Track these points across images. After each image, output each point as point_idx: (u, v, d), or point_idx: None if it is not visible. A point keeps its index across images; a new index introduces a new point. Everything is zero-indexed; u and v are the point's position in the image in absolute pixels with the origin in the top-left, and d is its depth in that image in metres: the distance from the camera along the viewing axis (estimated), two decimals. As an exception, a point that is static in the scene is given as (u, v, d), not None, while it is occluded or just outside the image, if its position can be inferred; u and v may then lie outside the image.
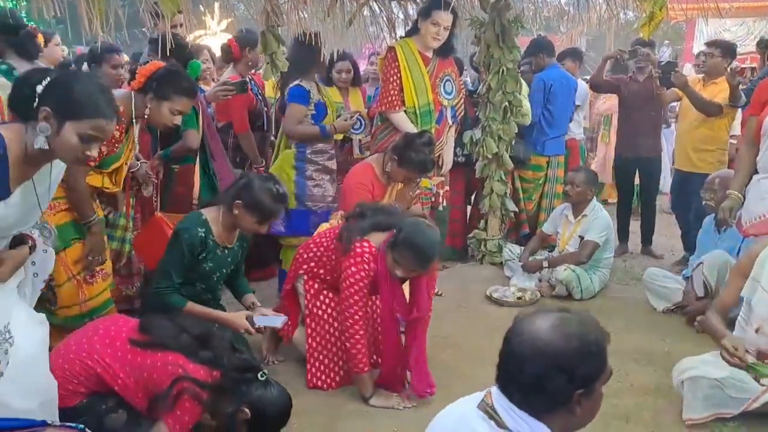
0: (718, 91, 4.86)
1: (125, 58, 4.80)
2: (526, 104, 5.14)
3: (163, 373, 2.26)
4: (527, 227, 5.48)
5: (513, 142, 5.08)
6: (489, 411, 1.54)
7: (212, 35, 10.31)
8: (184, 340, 2.37)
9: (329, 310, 3.26)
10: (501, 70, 4.88)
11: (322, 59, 4.18)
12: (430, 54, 4.33)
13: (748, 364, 2.65)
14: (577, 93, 5.73)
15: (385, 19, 4.94)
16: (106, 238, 3.17)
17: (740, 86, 4.75)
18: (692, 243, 4.60)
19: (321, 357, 3.22)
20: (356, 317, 3.00)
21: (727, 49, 5.04)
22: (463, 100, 4.70)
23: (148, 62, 3.07)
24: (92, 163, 2.04)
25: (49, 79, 1.95)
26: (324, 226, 3.69)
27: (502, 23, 4.83)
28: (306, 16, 4.20)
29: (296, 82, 4.15)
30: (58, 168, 2.12)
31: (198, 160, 3.89)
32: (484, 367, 3.37)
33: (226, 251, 3.15)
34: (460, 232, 5.39)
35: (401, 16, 5.04)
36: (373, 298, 3.24)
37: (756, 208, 3.43)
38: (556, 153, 5.40)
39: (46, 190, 2.12)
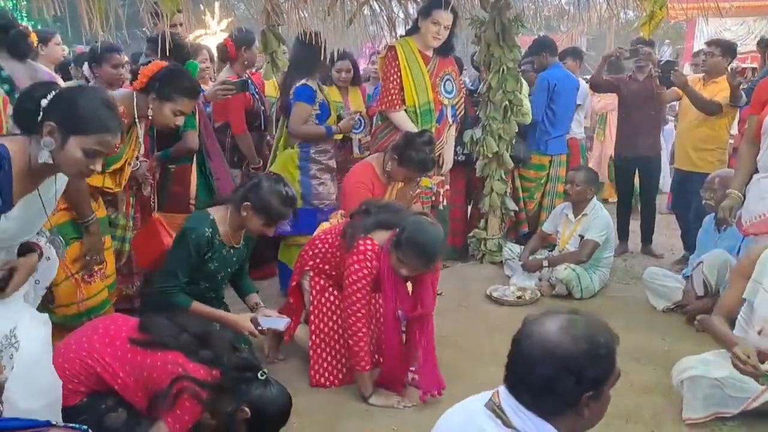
0: (718, 90, 4.86)
1: (125, 58, 4.79)
2: (527, 103, 5.14)
3: (162, 372, 2.26)
4: (526, 227, 5.48)
5: (513, 142, 5.08)
6: (496, 410, 1.54)
7: (212, 35, 10.31)
8: (183, 339, 2.37)
9: (333, 308, 3.26)
10: (501, 69, 4.89)
11: (324, 59, 4.18)
12: (430, 53, 4.33)
13: (762, 374, 2.61)
14: (578, 92, 5.73)
15: (385, 18, 4.94)
16: (109, 237, 3.17)
17: (741, 86, 4.75)
18: (692, 242, 4.60)
19: (324, 354, 3.23)
20: (359, 314, 3.00)
21: (728, 48, 5.03)
22: (463, 99, 4.69)
23: (150, 62, 3.06)
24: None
25: (53, 93, 1.95)
26: (324, 226, 3.69)
27: (503, 22, 4.83)
28: (306, 15, 4.20)
29: (303, 82, 4.15)
30: (62, 179, 2.13)
31: (194, 159, 3.88)
32: (484, 366, 3.38)
33: (232, 251, 3.14)
34: (461, 231, 5.39)
35: (401, 15, 5.04)
36: (376, 296, 3.24)
37: (756, 208, 3.43)
38: (559, 152, 5.40)
39: (52, 197, 2.13)
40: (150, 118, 3.01)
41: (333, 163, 4.35)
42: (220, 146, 4.45)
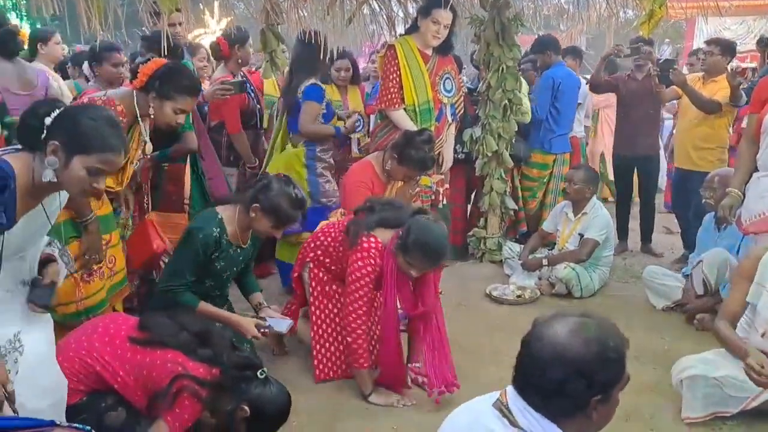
0: (717, 89, 4.85)
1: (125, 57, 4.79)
2: (526, 102, 5.15)
3: (162, 371, 2.26)
4: (525, 226, 5.49)
5: (513, 141, 5.08)
6: (504, 410, 1.54)
7: (212, 34, 10.30)
8: (183, 338, 2.37)
9: (333, 300, 3.27)
10: (501, 68, 4.89)
11: (325, 58, 4.18)
12: (429, 52, 4.33)
13: None
14: (579, 91, 5.73)
15: (384, 17, 4.93)
16: (117, 233, 3.16)
17: (741, 86, 4.74)
18: (692, 241, 4.60)
19: (327, 345, 3.23)
20: (359, 312, 3.00)
21: (727, 47, 5.03)
22: (462, 98, 4.69)
23: (148, 60, 3.05)
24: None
25: (57, 111, 1.95)
26: (324, 224, 3.69)
27: (502, 21, 4.83)
28: (306, 14, 4.20)
29: (312, 81, 4.16)
30: (66, 192, 2.13)
31: (188, 158, 3.86)
32: (484, 365, 3.38)
33: (239, 251, 3.13)
34: (460, 230, 5.39)
35: (401, 14, 5.03)
36: (377, 294, 3.23)
37: (756, 206, 3.43)
38: (563, 151, 5.41)
39: (56, 209, 2.14)
40: (151, 116, 3.00)
41: (332, 161, 4.37)
42: (216, 145, 4.45)
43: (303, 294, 3.44)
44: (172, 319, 2.47)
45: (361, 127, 4.85)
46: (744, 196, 3.53)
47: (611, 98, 6.30)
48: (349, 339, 3.03)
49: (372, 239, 3.01)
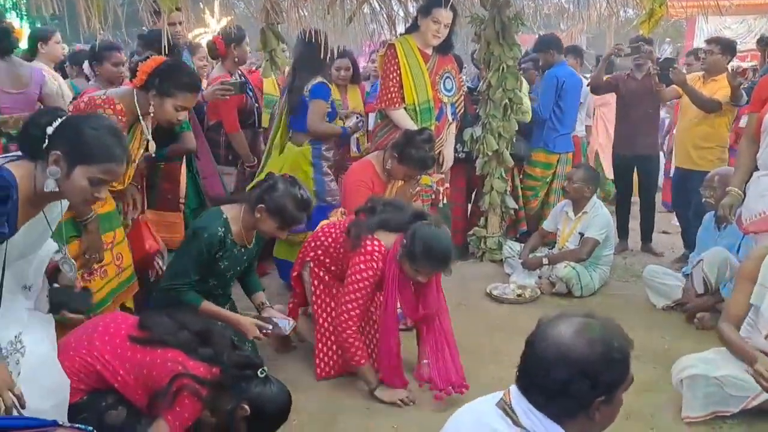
0: (717, 89, 4.85)
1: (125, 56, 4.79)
2: (527, 101, 5.15)
3: (162, 370, 2.26)
4: (525, 225, 5.49)
5: (514, 140, 5.08)
6: (506, 409, 1.54)
7: (212, 33, 10.29)
8: (183, 337, 2.37)
9: (336, 299, 3.27)
10: (501, 68, 4.89)
11: (327, 57, 4.18)
12: (429, 51, 4.32)
13: None
14: (581, 90, 5.73)
15: (385, 16, 4.93)
16: (122, 229, 3.16)
17: (741, 86, 4.73)
18: (692, 240, 4.60)
19: (329, 343, 3.23)
20: (353, 313, 3.00)
21: (727, 46, 5.02)
22: (462, 97, 4.69)
23: (147, 58, 3.04)
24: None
25: (59, 120, 1.95)
26: (324, 224, 3.69)
27: (502, 20, 4.83)
28: (306, 13, 4.20)
29: (319, 80, 4.17)
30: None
31: (184, 158, 3.86)
32: (484, 365, 3.38)
33: (243, 250, 3.13)
34: (461, 229, 5.39)
35: (401, 13, 5.03)
36: (377, 294, 3.23)
37: (756, 206, 3.43)
38: (566, 150, 5.42)
39: (57, 216, 2.14)
40: (151, 114, 2.99)
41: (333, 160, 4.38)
42: (214, 145, 4.45)
43: (302, 293, 3.44)
44: (172, 318, 2.47)
45: (361, 126, 4.86)
46: (744, 195, 3.53)
47: (608, 96, 6.29)
48: (340, 338, 3.04)
49: (376, 243, 3.00)
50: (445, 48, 4.40)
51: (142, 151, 3.10)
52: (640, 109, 5.38)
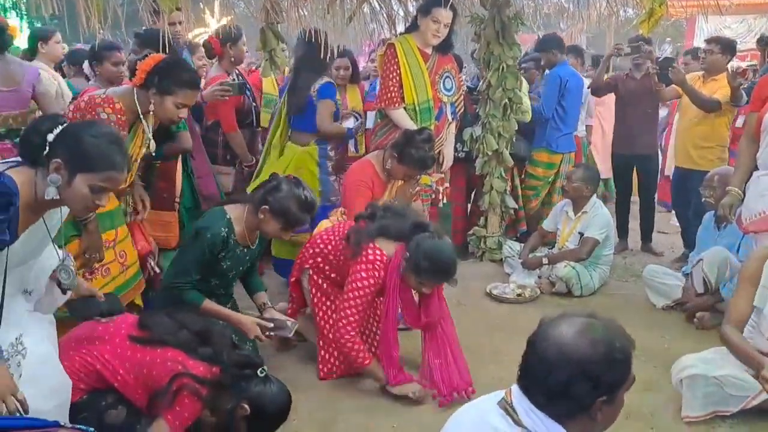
0: (717, 88, 4.85)
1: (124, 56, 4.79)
2: (526, 101, 5.15)
3: (162, 370, 2.26)
4: (525, 225, 5.49)
5: (514, 140, 5.08)
6: (508, 408, 1.54)
7: (212, 33, 10.28)
8: (183, 337, 2.37)
9: (334, 307, 3.27)
10: (501, 67, 4.89)
11: (326, 57, 4.18)
12: (429, 51, 4.32)
13: None
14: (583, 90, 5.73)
15: (385, 15, 4.93)
16: (125, 227, 3.16)
17: (741, 86, 4.73)
18: (692, 240, 4.60)
19: (331, 349, 3.23)
20: (351, 319, 2.99)
21: (727, 46, 5.02)
22: (462, 97, 4.69)
23: (146, 56, 3.04)
24: None
25: (60, 127, 1.96)
26: (324, 224, 3.69)
27: (502, 20, 4.84)
28: (306, 13, 4.20)
29: (326, 80, 4.20)
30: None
31: (179, 156, 3.85)
32: (484, 365, 3.37)
33: (246, 250, 3.12)
34: (461, 229, 5.39)
35: (401, 12, 5.03)
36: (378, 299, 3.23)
37: (756, 205, 3.42)
38: (569, 150, 5.42)
39: (57, 223, 2.14)
40: (151, 113, 2.99)
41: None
42: (212, 144, 4.45)
43: (300, 297, 3.43)
44: (172, 318, 2.47)
45: (359, 128, 4.87)
46: (744, 195, 3.53)
47: (605, 96, 6.27)
48: (339, 344, 3.02)
49: (378, 251, 2.99)
50: (444, 47, 4.39)
51: (144, 150, 3.10)
52: (639, 108, 5.38)
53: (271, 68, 4.45)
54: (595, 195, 4.74)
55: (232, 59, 4.57)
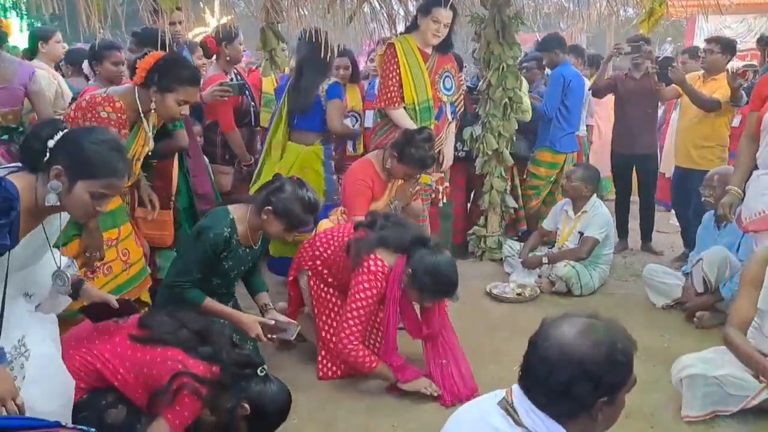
0: (717, 88, 4.85)
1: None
2: (526, 101, 5.15)
3: (162, 369, 2.26)
4: (525, 224, 5.49)
5: (514, 139, 5.08)
6: (508, 408, 1.54)
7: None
8: (183, 336, 2.38)
9: (335, 308, 3.28)
10: (501, 67, 4.89)
11: (326, 56, 4.19)
12: (429, 50, 4.32)
13: None
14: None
15: (385, 15, 4.93)
16: (129, 224, 3.16)
17: (741, 87, 4.73)
18: (692, 239, 4.60)
19: (331, 345, 3.23)
20: (354, 329, 2.97)
21: (727, 46, 5.02)
22: (462, 96, 4.69)
23: (146, 54, 3.04)
24: None
25: (60, 133, 1.96)
26: (324, 223, 3.69)
27: (503, 20, 4.84)
28: (306, 12, 4.20)
29: (333, 80, 4.25)
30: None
31: (176, 155, 3.85)
32: (484, 365, 3.37)
33: (248, 251, 3.12)
34: (461, 228, 5.39)
35: (402, 12, 5.04)
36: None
37: (756, 205, 3.42)
38: (573, 150, 5.42)
39: (56, 229, 2.14)
40: (153, 111, 2.99)
41: None
42: (211, 144, 4.45)
43: (298, 296, 3.43)
44: (172, 317, 2.47)
45: (358, 129, 4.91)
46: (744, 194, 3.53)
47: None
48: (344, 354, 3.00)
49: (379, 262, 2.99)
50: (444, 47, 4.39)
51: (147, 149, 3.10)
52: (639, 108, 5.38)
53: (271, 68, 4.45)
54: (595, 194, 4.74)
55: (228, 58, 4.56)
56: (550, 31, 5.85)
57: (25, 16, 8.91)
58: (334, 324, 3.24)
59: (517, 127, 5.06)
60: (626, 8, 5.18)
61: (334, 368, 3.24)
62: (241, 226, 3.04)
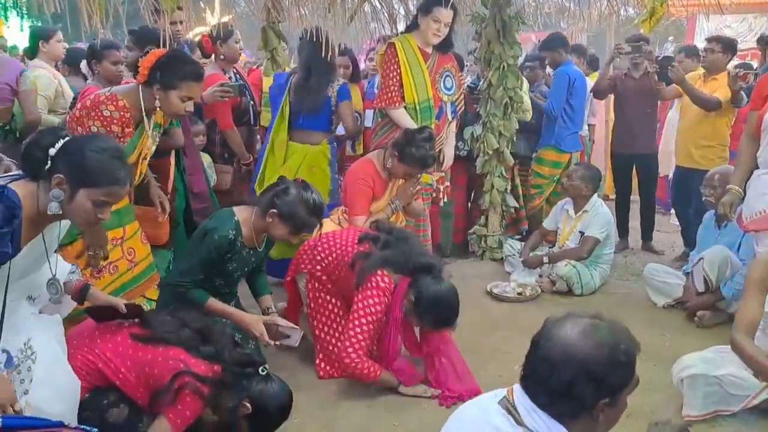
0: (717, 87, 4.85)
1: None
2: (527, 100, 5.15)
3: (164, 368, 2.26)
4: (526, 224, 5.49)
5: (515, 139, 5.08)
6: (509, 408, 1.54)
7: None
8: (185, 335, 2.38)
9: (335, 309, 3.29)
10: (502, 66, 4.89)
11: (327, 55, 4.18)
12: (429, 50, 4.32)
13: None
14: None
15: (386, 14, 4.93)
16: (137, 223, 3.16)
17: (741, 89, 4.73)
18: (693, 239, 4.60)
19: (330, 347, 3.24)
20: (360, 344, 2.96)
21: (728, 45, 5.02)
22: (463, 96, 4.69)
23: (147, 53, 3.03)
24: None
25: (62, 141, 1.96)
26: (325, 222, 3.68)
27: (503, 19, 4.84)
28: (307, 12, 4.20)
29: (342, 81, 4.27)
30: (66, 220, 2.14)
31: (172, 153, 3.85)
32: (484, 364, 3.38)
33: (252, 252, 3.12)
34: (462, 228, 5.39)
35: (402, 11, 5.04)
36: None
37: (756, 204, 3.42)
38: (577, 149, 5.43)
39: (56, 237, 2.14)
40: (158, 109, 2.98)
41: None
42: (210, 143, 4.45)
43: (295, 297, 3.44)
44: (173, 316, 2.48)
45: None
46: (744, 194, 3.53)
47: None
48: (348, 368, 2.99)
49: (386, 278, 3.00)
50: (444, 46, 4.39)
51: (154, 148, 3.10)
52: (638, 108, 5.38)
53: (272, 67, 4.44)
54: (596, 194, 4.74)
55: (222, 57, 4.54)
56: (550, 31, 5.86)
57: (26, 16, 8.92)
58: (332, 326, 3.26)
59: (517, 127, 5.06)
60: (627, 8, 5.18)
61: (332, 370, 3.24)
62: (246, 228, 3.03)
